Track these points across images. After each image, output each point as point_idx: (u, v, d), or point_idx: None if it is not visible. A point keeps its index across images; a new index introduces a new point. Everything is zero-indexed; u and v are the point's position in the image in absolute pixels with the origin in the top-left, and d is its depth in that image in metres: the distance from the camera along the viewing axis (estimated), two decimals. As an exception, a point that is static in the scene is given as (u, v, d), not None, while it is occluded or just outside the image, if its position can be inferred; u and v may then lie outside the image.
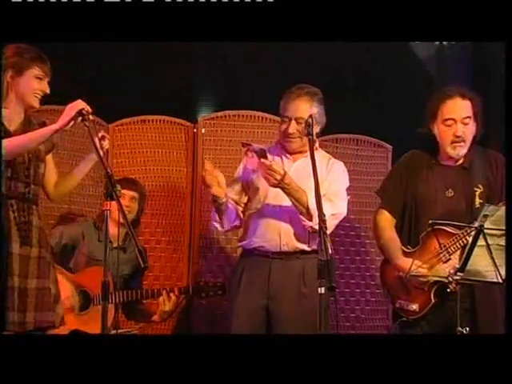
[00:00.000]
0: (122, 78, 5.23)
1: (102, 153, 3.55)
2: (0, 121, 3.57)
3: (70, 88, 3.72)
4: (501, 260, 3.54)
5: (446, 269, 3.81)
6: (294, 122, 4.02)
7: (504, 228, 3.54)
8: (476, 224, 3.56)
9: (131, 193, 4.64)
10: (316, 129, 4.11)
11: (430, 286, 3.88)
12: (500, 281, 3.54)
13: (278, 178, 3.88)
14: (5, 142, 3.53)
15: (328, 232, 4.04)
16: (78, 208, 4.97)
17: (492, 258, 3.53)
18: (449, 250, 3.83)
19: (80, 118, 3.50)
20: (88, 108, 3.52)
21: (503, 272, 3.53)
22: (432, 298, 3.88)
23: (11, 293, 3.54)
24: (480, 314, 3.84)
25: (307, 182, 3.78)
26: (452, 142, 3.94)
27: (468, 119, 3.94)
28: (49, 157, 3.79)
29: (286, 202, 4.00)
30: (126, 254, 4.51)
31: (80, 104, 3.51)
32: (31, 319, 3.59)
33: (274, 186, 3.92)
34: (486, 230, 3.53)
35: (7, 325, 3.51)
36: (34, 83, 3.65)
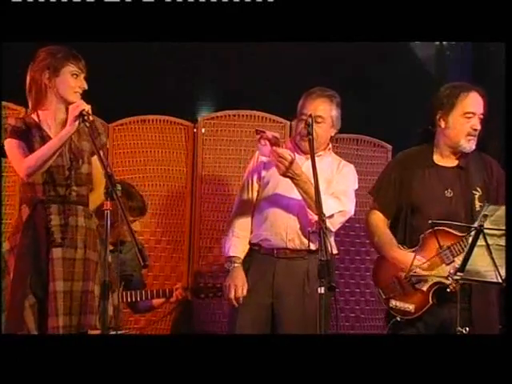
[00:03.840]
0: (122, 78, 5.23)
1: (101, 153, 3.56)
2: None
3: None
4: (501, 260, 3.53)
5: (448, 271, 3.80)
6: (312, 119, 4.00)
7: (504, 228, 3.54)
8: (476, 224, 3.56)
9: (140, 219, 4.63)
10: (331, 132, 4.13)
11: (430, 288, 3.87)
12: (500, 281, 3.54)
13: (287, 164, 3.86)
14: (27, 160, 3.57)
15: (334, 230, 4.08)
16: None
17: (492, 258, 3.53)
18: (453, 252, 3.82)
19: (80, 119, 3.51)
20: (88, 108, 3.53)
21: (503, 272, 3.53)
22: (430, 299, 3.87)
23: (53, 298, 3.56)
24: (474, 314, 3.83)
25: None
26: (468, 135, 3.94)
27: (482, 116, 3.96)
28: (95, 158, 3.73)
29: (295, 197, 3.99)
30: (121, 255, 4.50)
31: (82, 104, 3.52)
32: (76, 322, 3.61)
33: (284, 174, 3.90)
34: (485, 230, 3.52)
35: (50, 330, 3.54)
36: (71, 80, 3.68)
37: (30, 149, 3.63)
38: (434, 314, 3.89)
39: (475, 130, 3.93)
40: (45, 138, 3.66)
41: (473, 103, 3.95)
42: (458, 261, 3.76)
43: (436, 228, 3.76)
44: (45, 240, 3.63)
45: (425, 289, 3.88)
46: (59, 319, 3.56)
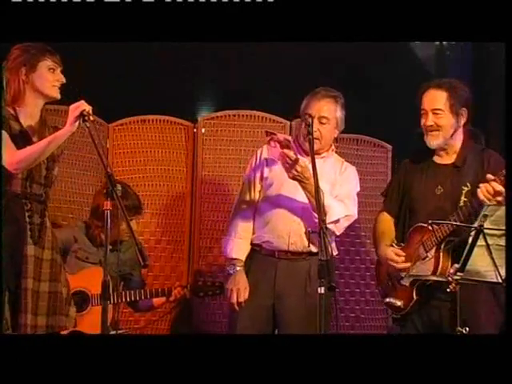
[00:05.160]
0: (121, 78, 5.23)
1: (101, 152, 3.55)
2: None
3: (69, 88, 3.72)
4: (501, 260, 3.53)
5: (425, 266, 3.86)
6: (316, 120, 4.00)
7: (504, 228, 3.54)
8: (476, 224, 3.57)
9: (136, 218, 4.62)
10: (335, 133, 4.12)
11: (412, 284, 3.92)
12: (500, 281, 3.54)
13: (299, 169, 3.85)
14: (18, 154, 3.53)
15: (338, 233, 4.08)
16: (78, 208, 4.97)
17: (492, 258, 3.53)
18: (425, 247, 3.87)
19: (81, 120, 3.50)
20: (89, 109, 3.52)
21: (503, 272, 3.53)
22: (414, 295, 3.92)
23: (25, 295, 3.54)
24: (460, 315, 3.83)
25: (321, 182, 3.74)
26: (426, 131, 3.99)
27: (439, 110, 3.96)
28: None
29: (299, 200, 3.98)
30: (120, 254, 4.50)
31: (82, 105, 3.51)
32: (43, 323, 3.59)
33: (294, 178, 3.89)
34: (485, 230, 3.53)
35: (20, 327, 3.52)
36: (49, 75, 3.65)
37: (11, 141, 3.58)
38: (424, 311, 3.94)
39: (426, 125, 3.96)
40: (23, 133, 3.62)
41: (425, 101, 3.99)
42: (431, 255, 3.84)
43: (417, 225, 3.88)
44: (24, 236, 3.59)
45: (407, 284, 3.93)
46: (28, 317, 3.53)
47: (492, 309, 3.89)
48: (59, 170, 3.82)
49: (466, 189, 3.92)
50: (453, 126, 3.98)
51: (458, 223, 3.79)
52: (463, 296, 3.73)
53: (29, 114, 3.66)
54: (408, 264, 3.90)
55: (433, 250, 3.84)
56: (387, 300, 4.03)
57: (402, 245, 4.02)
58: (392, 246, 4.03)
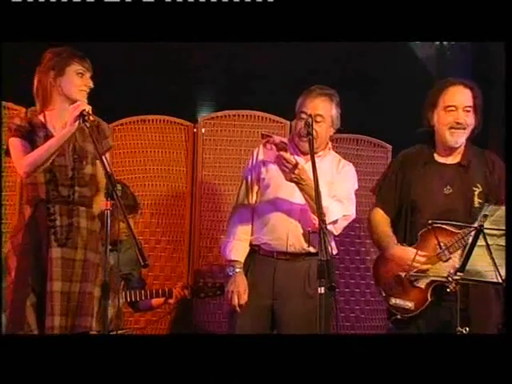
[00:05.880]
0: (122, 78, 5.23)
1: (101, 152, 3.56)
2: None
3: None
4: (501, 260, 3.54)
5: (446, 268, 3.81)
6: (311, 119, 3.99)
7: (504, 228, 3.54)
8: (476, 224, 3.56)
9: (132, 217, 4.61)
10: (330, 132, 4.11)
11: (428, 285, 3.87)
12: (500, 281, 3.54)
13: (296, 172, 3.83)
14: (26, 158, 3.59)
15: (336, 233, 4.07)
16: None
17: (492, 258, 3.53)
18: (450, 249, 3.82)
19: (81, 119, 3.52)
20: (89, 109, 3.54)
21: (503, 272, 3.53)
22: (429, 296, 3.87)
23: (51, 297, 3.57)
24: (473, 314, 3.82)
25: (319, 181, 3.74)
26: (451, 128, 3.93)
27: (469, 108, 3.93)
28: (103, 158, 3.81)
29: (297, 202, 3.98)
30: (119, 254, 4.50)
31: (82, 105, 3.53)
32: (70, 323, 3.62)
33: (291, 180, 3.87)
34: (485, 230, 3.53)
35: (48, 329, 3.55)
36: (77, 79, 3.70)
37: (34, 149, 3.64)
38: (435, 311, 3.89)
39: (458, 123, 3.91)
40: (49, 138, 3.67)
41: (454, 97, 3.94)
42: (455, 258, 3.78)
43: (434, 226, 3.78)
44: (46, 239, 3.63)
45: (423, 286, 3.88)
46: (55, 319, 3.57)
47: (499, 308, 3.89)
48: None
49: (477, 190, 3.90)
50: (473, 125, 3.97)
51: (457, 223, 3.79)
52: (475, 295, 3.74)
53: (58, 118, 3.71)
54: (429, 265, 3.85)
55: (458, 253, 3.77)
56: (394, 301, 3.95)
57: (406, 245, 3.97)
58: (398, 245, 3.98)
